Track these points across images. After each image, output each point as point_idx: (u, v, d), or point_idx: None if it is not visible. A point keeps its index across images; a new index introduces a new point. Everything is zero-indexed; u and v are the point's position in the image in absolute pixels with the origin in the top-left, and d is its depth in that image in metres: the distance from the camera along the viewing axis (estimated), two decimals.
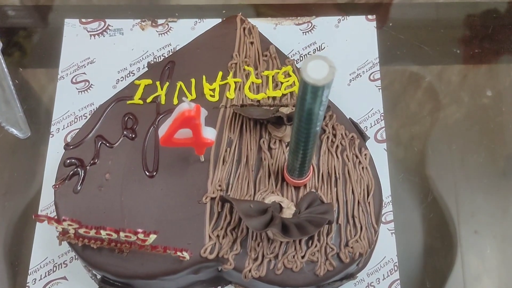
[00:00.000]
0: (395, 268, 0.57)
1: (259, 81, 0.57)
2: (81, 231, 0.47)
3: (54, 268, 0.57)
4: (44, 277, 0.57)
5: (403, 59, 0.69)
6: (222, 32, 0.61)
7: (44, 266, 0.57)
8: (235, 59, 0.59)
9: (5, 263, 0.58)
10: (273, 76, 0.58)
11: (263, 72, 0.58)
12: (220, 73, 0.58)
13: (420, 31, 0.71)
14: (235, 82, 0.57)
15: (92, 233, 0.47)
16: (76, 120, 0.64)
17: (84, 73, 0.66)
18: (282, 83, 0.57)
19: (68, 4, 0.72)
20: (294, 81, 0.57)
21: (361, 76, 0.66)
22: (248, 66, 0.58)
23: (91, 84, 0.66)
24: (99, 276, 0.56)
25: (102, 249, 0.51)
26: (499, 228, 0.61)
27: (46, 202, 0.60)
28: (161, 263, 0.50)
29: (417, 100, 0.67)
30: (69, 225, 0.46)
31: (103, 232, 0.46)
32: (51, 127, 0.63)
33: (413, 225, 0.60)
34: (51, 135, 0.63)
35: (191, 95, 0.57)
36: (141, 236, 0.46)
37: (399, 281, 0.56)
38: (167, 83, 0.58)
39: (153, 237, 0.46)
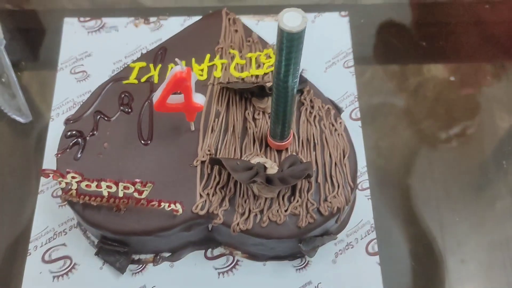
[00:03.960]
0: (372, 229, 0.62)
1: (243, 62, 0.64)
2: (83, 185, 0.52)
3: (55, 236, 0.61)
4: (45, 244, 0.60)
5: (376, 53, 0.76)
6: (209, 22, 0.68)
7: (44, 234, 0.61)
8: (221, 44, 0.65)
9: (7, 233, 0.62)
10: (255, 58, 0.64)
11: (246, 54, 0.64)
12: (208, 56, 0.64)
13: (391, 28, 0.78)
14: (221, 63, 0.63)
15: (93, 186, 0.51)
16: (75, 105, 0.69)
17: (82, 65, 0.72)
18: (264, 63, 0.63)
19: (67, 8, 0.79)
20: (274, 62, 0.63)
21: (336, 64, 0.72)
22: (233, 49, 0.65)
23: (89, 74, 0.71)
24: (96, 243, 0.60)
25: (101, 208, 0.55)
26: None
27: (47, 179, 0.64)
28: (156, 220, 0.55)
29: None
30: (72, 177, 0.51)
31: (103, 185, 0.51)
32: (51, 112, 0.69)
33: (387, 190, 0.65)
34: (51, 119, 0.68)
35: None
36: (138, 186, 0.51)
37: (375, 240, 0.61)
38: (160, 65, 0.64)
39: (149, 186, 0.51)
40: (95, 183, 0.51)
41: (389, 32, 0.77)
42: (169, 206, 0.53)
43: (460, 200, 0.66)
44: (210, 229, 0.58)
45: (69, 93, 0.70)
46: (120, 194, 0.52)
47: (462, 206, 0.65)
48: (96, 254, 0.59)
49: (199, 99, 0.55)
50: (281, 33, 0.42)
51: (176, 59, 0.50)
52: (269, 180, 0.53)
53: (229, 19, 0.67)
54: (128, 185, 0.50)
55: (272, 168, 0.56)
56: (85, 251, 0.60)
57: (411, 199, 0.65)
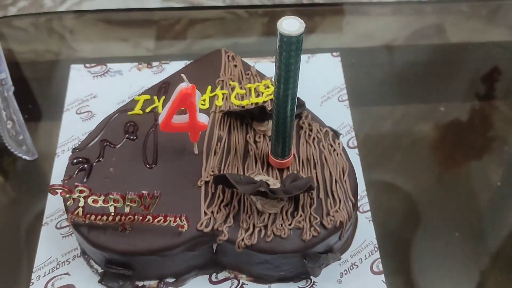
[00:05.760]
0: (375, 249, 0.62)
1: (243, 91, 0.67)
2: (90, 200, 0.52)
3: (58, 266, 0.60)
4: (48, 274, 0.60)
5: (369, 92, 0.80)
6: (209, 59, 0.71)
7: (48, 264, 0.61)
8: (222, 77, 0.69)
9: (11, 263, 0.61)
10: (255, 88, 0.67)
11: (246, 85, 0.68)
12: (209, 87, 0.67)
13: (383, 68, 0.83)
14: (222, 93, 0.67)
15: (100, 202, 0.52)
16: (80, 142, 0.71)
17: (87, 106, 0.75)
18: (263, 93, 0.67)
19: (75, 57, 0.84)
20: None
21: (331, 98, 0.76)
22: (233, 81, 0.68)
23: (94, 114, 0.74)
24: (99, 271, 0.60)
25: (106, 229, 0.55)
26: None
27: (50, 211, 0.65)
28: (161, 238, 0.55)
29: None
30: (80, 191, 0.52)
31: (110, 199, 0.52)
32: (57, 148, 0.70)
33: (389, 212, 0.66)
34: (56, 155, 0.70)
35: None
36: (145, 200, 0.52)
37: (380, 259, 0.61)
38: (164, 97, 0.67)
39: (156, 197, 0.51)
40: (102, 198, 0.52)
41: (379, 73, 0.82)
42: (174, 221, 0.53)
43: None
44: (214, 250, 0.58)
45: (74, 131, 0.72)
46: (126, 210, 0.53)
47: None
48: (100, 281, 0.58)
49: (203, 119, 0.57)
50: (281, 38, 0.46)
51: (182, 75, 0.53)
52: (272, 191, 0.54)
53: (228, 56, 0.71)
54: (135, 198, 0.51)
55: (274, 185, 0.57)
56: (89, 280, 0.60)
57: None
